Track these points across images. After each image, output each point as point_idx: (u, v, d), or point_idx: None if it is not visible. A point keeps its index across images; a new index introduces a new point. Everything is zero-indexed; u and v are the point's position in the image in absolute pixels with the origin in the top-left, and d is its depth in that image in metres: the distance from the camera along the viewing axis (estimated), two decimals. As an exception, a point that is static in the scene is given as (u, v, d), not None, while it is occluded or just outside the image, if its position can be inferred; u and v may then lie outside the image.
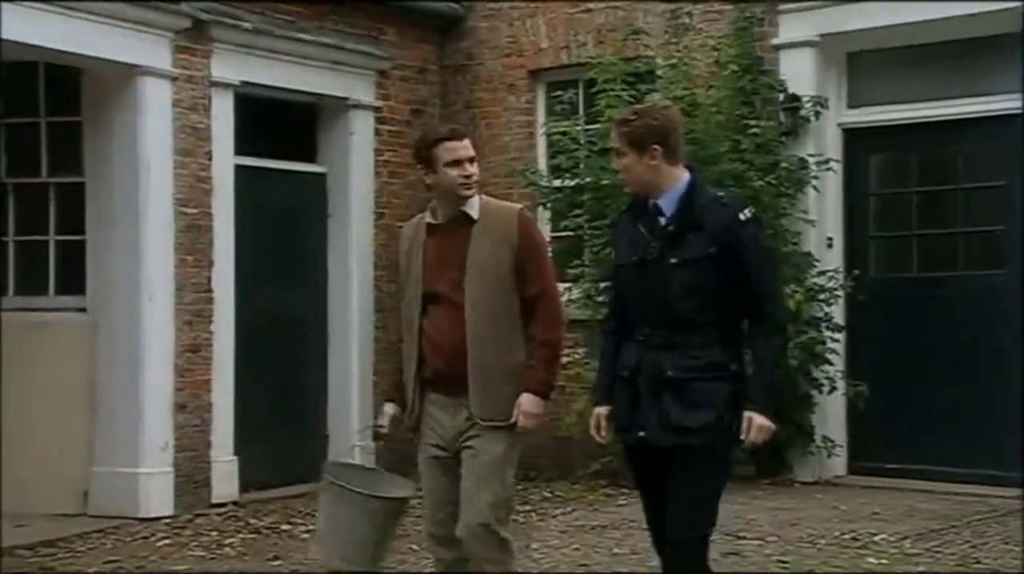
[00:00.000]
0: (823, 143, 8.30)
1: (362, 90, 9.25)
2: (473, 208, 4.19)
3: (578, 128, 8.81)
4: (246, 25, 8.19)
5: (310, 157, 9.31)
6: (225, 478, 8.12)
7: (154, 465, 7.66)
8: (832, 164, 8.21)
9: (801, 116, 8.18)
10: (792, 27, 8.28)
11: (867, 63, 8.41)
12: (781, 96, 8.25)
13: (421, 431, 4.22)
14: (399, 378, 4.32)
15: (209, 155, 8.03)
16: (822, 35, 8.23)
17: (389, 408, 4.35)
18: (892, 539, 6.20)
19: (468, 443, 4.11)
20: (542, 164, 9.46)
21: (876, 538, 6.21)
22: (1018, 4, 7.60)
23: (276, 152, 8.89)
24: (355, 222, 9.20)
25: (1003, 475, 7.53)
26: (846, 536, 6.32)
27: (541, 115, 9.60)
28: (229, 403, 8.18)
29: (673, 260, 3.67)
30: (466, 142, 4.21)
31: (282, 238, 8.90)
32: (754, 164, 7.98)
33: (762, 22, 8.43)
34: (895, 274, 8.47)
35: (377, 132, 9.39)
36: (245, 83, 8.27)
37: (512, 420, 4.10)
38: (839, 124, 8.41)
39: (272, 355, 8.72)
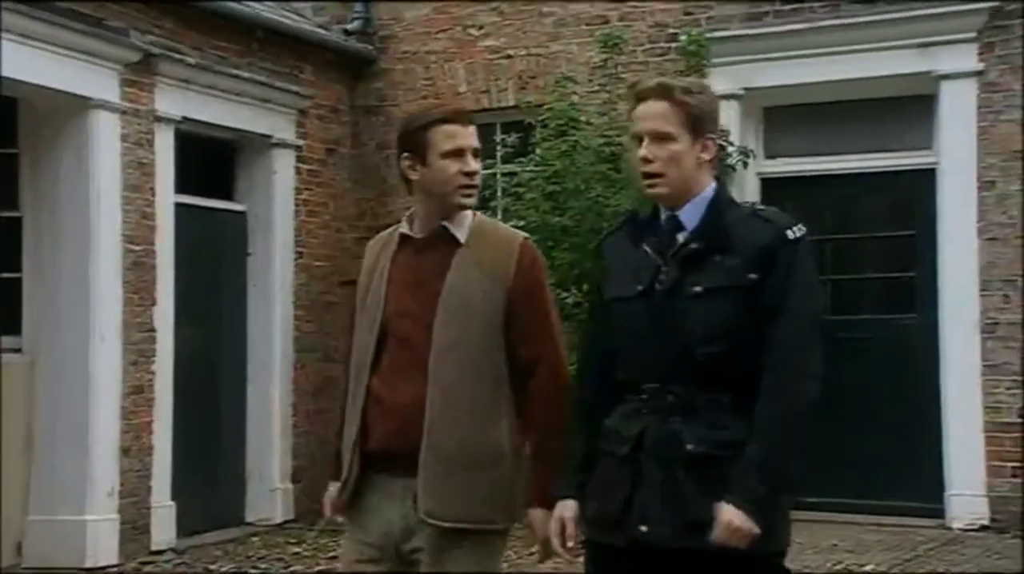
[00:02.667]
0: (743, 192, 8.78)
1: (284, 128, 9.19)
2: (460, 226, 3.18)
3: (529, 170, 8.81)
4: (190, 60, 8.04)
5: (230, 195, 9.17)
6: (164, 524, 7.86)
7: (101, 512, 7.35)
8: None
9: (728, 165, 8.63)
10: (718, 81, 8.73)
11: (784, 117, 8.96)
12: (709, 146, 8.67)
13: (351, 518, 3.19)
14: (340, 445, 3.25)
15: (153, 191, 7.82)
16: (745, 89, 8.73)
17: (334, 490, 3.24)
18: (881, 568, 6.61)
19: (420, 554, 3.05)
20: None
21: (865, 568, 6.61)
22: (926, 70, 8.29)
23: (199, 189, 8.71)
24: (277, 261, 9.10)
25: (924, 507, 8.11)
26: (837, 567, 6.66)
27: (457, 158, 9.73)
28: (167, 446, 7.94)
29: (696, 289, 2.75)
30: (472, 129, 3.18)
31: (206, 277, 8.71)
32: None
33: (685, 75, 8.87)
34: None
35: (297, 171, 9.34)
36: (185, 119, 8.10)
37: (497, 526, 3.10)
38: (758, 174, 8.92)
39: (200, 396, 8.50)
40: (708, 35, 8.63)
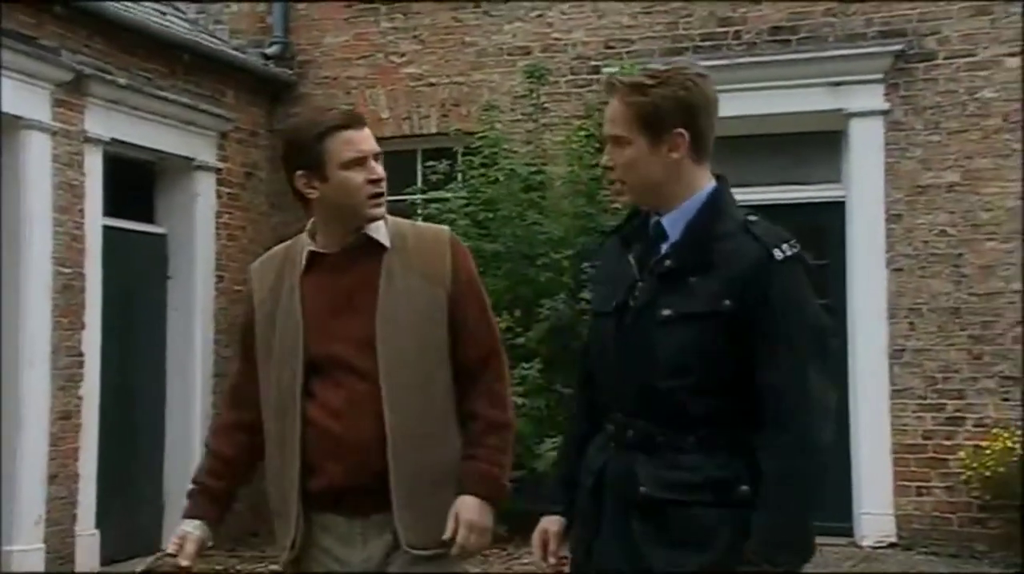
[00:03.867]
0: (663, 220, 9.05)
1: (206, 151, 9.13)
2: (380, 230, 2.89)
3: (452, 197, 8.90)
4: (121, 81, 7.95)
5: (150, 217, 9.06)
6: (88, 552, 7.72)
7: (27, 541, 7.20)
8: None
9: (647, 195, 8.88)
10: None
11: (701, 149, 9.27)
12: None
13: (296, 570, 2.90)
14: (216, 485, 2.98)
15: (83, 213, 7.71)
16: (666, 122, 8.99)
17: (190, 527, 2.93)
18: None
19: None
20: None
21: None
22: (836, 107, 8.69)
23: (119, 211, 8.59)
24: (199, 284, 9.02)
25: (835, 526, 8.37)
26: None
27: (379, 183, 9.79)
28: (93, 472, 7.80)
29: (665, 312, 2.44)
30: (367, 131, 2.87)
31: (127, 300, 8.58)
32: (599, 234, 8.57)
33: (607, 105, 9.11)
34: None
35: (218, 194, 9.29)
36: (114, 140, 8.00)
37: (447, 536, 2.78)
38: (675, 203, 9.20)
39: (121, 422, 8.37)
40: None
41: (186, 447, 8.85)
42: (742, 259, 2.44)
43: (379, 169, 2.85)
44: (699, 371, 2.43)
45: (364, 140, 2.84)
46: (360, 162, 2.81)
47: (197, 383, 8.94)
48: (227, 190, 9.37)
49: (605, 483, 2.54)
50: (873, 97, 8.63)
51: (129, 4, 8.39)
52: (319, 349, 2.85)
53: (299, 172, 2.84)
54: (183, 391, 8.93)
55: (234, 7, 10.11)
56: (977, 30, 8.48)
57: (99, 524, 7.83)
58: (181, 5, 9.78)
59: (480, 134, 8.71)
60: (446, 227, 3.06)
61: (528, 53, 9.33)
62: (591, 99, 9.03)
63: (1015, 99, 8.38)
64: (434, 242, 2.93)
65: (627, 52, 9.09)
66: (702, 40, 8.99)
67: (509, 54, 9.41)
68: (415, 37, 9.64)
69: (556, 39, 9.30)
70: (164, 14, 9.19)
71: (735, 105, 8.85)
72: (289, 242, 3.04)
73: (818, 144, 8.96)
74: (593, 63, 9.18)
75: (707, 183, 2.58)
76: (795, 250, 2.47)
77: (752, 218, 2.52)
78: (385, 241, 2.88)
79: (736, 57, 8.85)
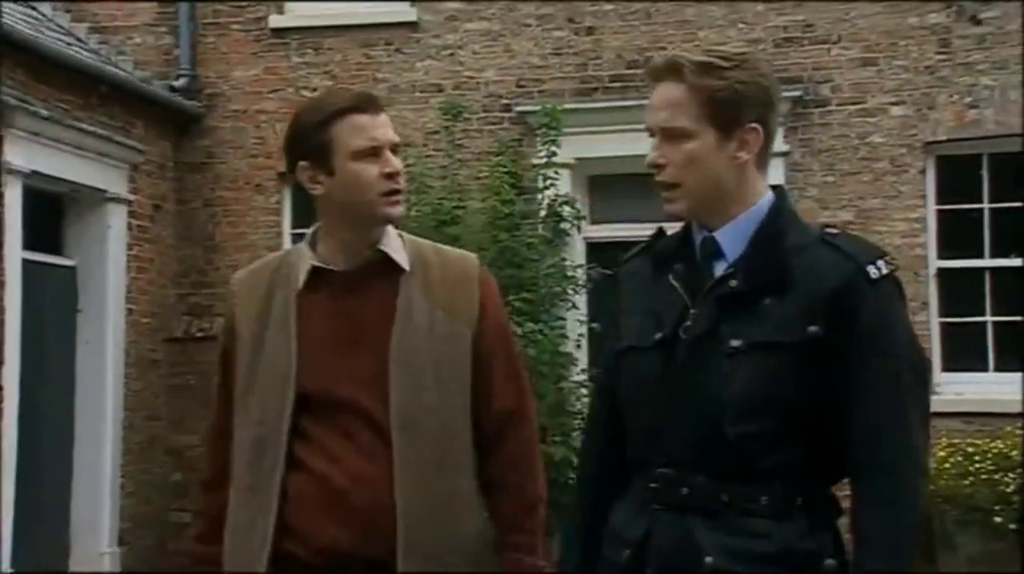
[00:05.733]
0: (573, 254, 9.33)
1: (118, 183, 9.04)
2: (396, 247, 2.47)
3: None
4: (43, 112, 7.84)
5: (58, 249, 8.91)
6: (-1, 590, 7.53)
7: (-53, 579, 7.00)
8: (582, 272, 9.25)
9: (561, 228, 9.16)
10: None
11: (609, 186, 9.61)
12: (544, 211, 9.18)
13: None
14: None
15: (2, 245, 7.57)
16: (577, 159, 9.31)
17: None
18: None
19: None
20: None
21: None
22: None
23: (27, 243, 8.42)
24: (110, 318, 8.90)
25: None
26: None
27: (288, 216, 9.85)
28: (11, 509, 7.63)
29: (735, 343, 2.06)
30: (385, 117, 2.46)
31: (37, 334, 8.41)
32: (522, 267, 8.79)
33: (520, 142, 9.39)
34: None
35: (128, 226, 9.20)
36: (34, 172, 7.88)
37: None
38: (584, 238, 9.51)
39: (30, 457, 8.17)
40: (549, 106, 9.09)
41: (94, 483, 8.72)
42: (828, 277, 2.04)
43: (396, 161, 2.44)
44: (777, 414, 2.02)
45: (379, 127, 2.42)
46: (374, 152, 2.39)
47: (108, 418, 8.81)
48: (137, 222, 9.29)
49: (650, 554, 2.07)
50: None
51: (42, 33, 8.29)
52: (315, 385, 2.36)
53: (302, 163, 2.42)
54: (93, 427, 8.79)
55: (138, 39, 10.05)
56: (865, 79, 9.05)
57: (14, 562, 7.65)
58: (82, 35, 9.67)
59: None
60: (474, 255, 2.60)
61: (440, 90, 9.53)
62: (503, 136, 9.30)
63: (901, 144, 8.98)
64: (461, 271, 2.49)
65: (538, 91, 9.38)
66: (611, 81, 9.34)
67: (421, 91, 9.59)
68: (327, 72, 9.74)
69: (468, 77, 9.52)
70: (69, 44, 9.08)
71: (645, 144, 9.23)
72: (281, 252, 2.64)
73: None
74: (504, 101, 9.44)
75: (766, 192, 2.18)
76: (891, 268, 2.09)
77: (831, 230, 2.15)
78: (403, 262, 2.43)
79: (644, 98, 9.10)
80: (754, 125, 2.12)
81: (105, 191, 8.86)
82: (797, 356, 2.05)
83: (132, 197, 9.20)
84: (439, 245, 2.62)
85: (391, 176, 2.42)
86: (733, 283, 2.11)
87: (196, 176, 9.89)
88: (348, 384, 2.36)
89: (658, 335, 2.15)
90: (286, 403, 2.37)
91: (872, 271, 2.07)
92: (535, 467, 2.51)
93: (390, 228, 2.48)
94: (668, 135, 2.14)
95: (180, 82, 9.82)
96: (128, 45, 10.02)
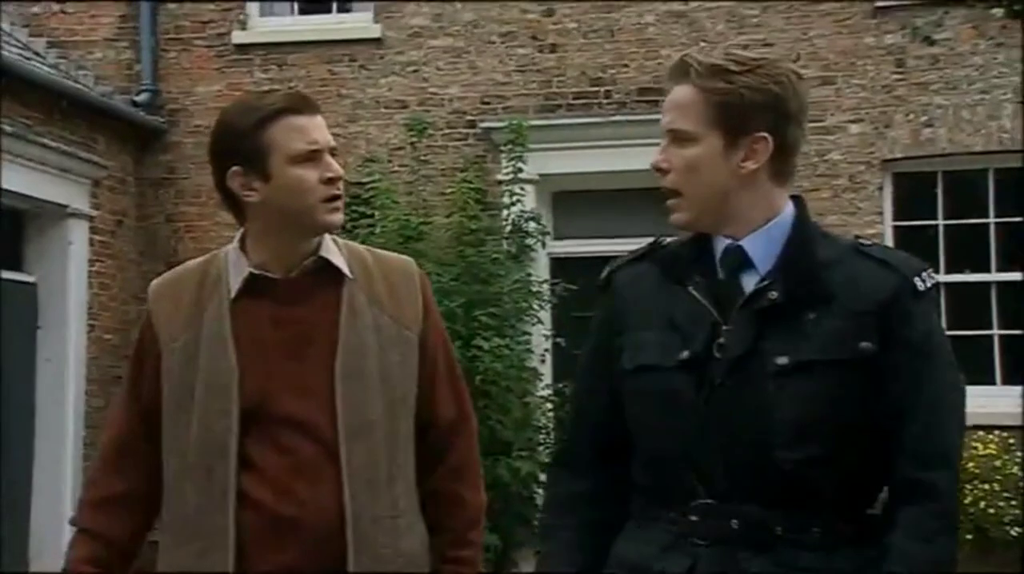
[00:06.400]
0: (538, 269, 9.39)
1: (79, 198, 8.98)
2: (336, 253, 2.36)
3: None
4: (8, 128, 7.78)
5: (17, 265, 8.82)
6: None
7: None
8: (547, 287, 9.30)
9: (526, 244, 9.22)
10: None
11: (573, 202, 9.69)
12: (509, 226, 9.23)
13: None
14: None
15: (-33, 262, 7.50)
16: (540, 175, 9.38)
17: None
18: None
19: None
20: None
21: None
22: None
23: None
24: (72, 334, 8.82)
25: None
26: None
27: (252, 231, 9.80)
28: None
29: (781, 361, 1.93)
30: (321, 119, 2.33)
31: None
32: (488, 282, 8.82)
33: (484, 159, 9.44)
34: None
35: (90, 242, 9.13)
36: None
37: None
38: (548, 253, 9.57)
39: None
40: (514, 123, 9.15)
41: (55, 502, 8.62)
42: (874, 289, 1.95)
43: (336, 166, 2.31)
44: (831, 437, 1.91)
45: (317, 128, 2.30)
46: (313, 156, 2.27)
47: (69, 436, 8.73)
48: (99, 238, 9.23)
49: None
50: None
51: (1, 48, 8.23)
52: (256, 399, 2.23)
53: (234, 169, 2.28)
54: (54, 445, 8.70)
55: (99, 53, 9.99)
56: (824, 98, 9.20)
57: (-23, 583, 7.56)
58: (40, 49, 9.60)
59: (369, 185, 8.87)
60: (410, 258, 2.51)
61: (405, 107, 9.57)
62: (468, 152, 9.36)
63: (860, 161, 9.15)
64: (403, 275, 2.39)
65: (503, 108, 9.44)
66: (574, 99, 9.43)
67: (386, 107, 9.62)
68: (290, 88, 9.70)
69: (433, 93, 9.57)
70: (28, 59, 9.01)
71: (604, 161, 9.40)
72: (200, 259, 2.45)
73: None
74: (469, 118, 9.49)
75: (787, 203, 2.06)
76: (935, 281, 1.99)
77: (865, 242, 2.06)
78: (345, 268, 2.33)
79: (607, 115, 9.33)
80: (763, 134, 1.99)
81: (67, 207, 8.80)
82: (849, 374, 1.93)
83: (94, 213, 9.14)
84: (373, 249, 2.51)
85: (331, 181, 2.29)
86: (773, 295, 1.96)
87: (158, 191, 9.84)
88: (290, 395, 2.25)
89: (685, 354, 1.98)
90: (230, 425, 2.22)
91: (920, 284, 1.97)
92: (479, 477, 2.44)
93: (327, 234, 2.37)
94: (673, 138, 2.04)
95: (142, 97, 9.78)
96: (88, 60, 9.96)
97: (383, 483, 2.25)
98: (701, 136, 2.00)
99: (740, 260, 2.02)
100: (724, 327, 1.97)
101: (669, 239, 2.19)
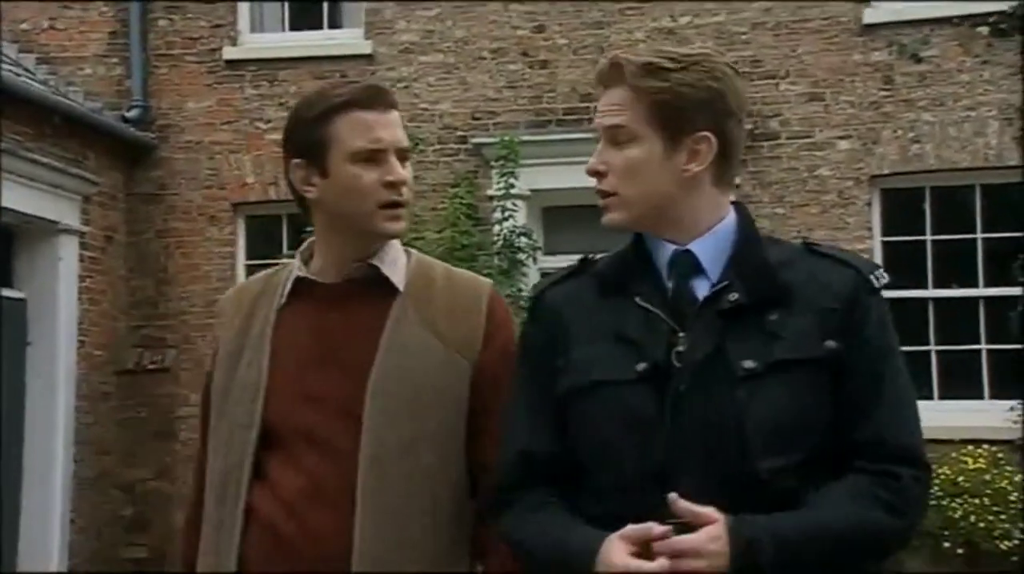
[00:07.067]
0: (529, 285, 9.40)
1: (70, 214, 8.97)
2: (393, 264, 2.18)
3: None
4: (4, 144, 7.77)
5: (7, 282, 8.80)
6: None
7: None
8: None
9: (518, 259, 9.24)
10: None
11: (563, 217, 9.72)
12: (500, 241, 9.25)
13: None
14: None
15: (-42, 277, 7.48)
16: (531, 190, 9.41)
17: None
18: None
19: None
20: (248, 295, 9.68)
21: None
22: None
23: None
24: (62, 350, 8.80)
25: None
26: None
27: (242, 247, 9.83)
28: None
29: (748, 365, 1.83)
30: (395, 116, 2.17)
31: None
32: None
33: (476, 174, 9.47)
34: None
35: (80, 258, 9.12)
36: (-11, 203, 7.81)
37: None
38: (539, 269, 9.59)
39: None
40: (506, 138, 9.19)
41: (44, 519, 8.60)
42: (832, 287, 1.89)
43: (400, 169, 2.12)
44: (807, 440, 1.82)
45: (385, 127, 2.11)
46: (375, 156, 2.10)
47: (58, 453, 8.70)
48: (89, 254, 9.22)
49: None
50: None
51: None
52: (282, 410, 2.09)
53: (295, 161, 2.14)
54: (43, 461, 8.66)
55: (89, 69, 9.99)
56: (813, 114, 9.27)
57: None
58: (30, 66, 9.60)
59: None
60: (488, 280, 2.30)
61: (395, 122, 9.58)
62: (459, 168, 9.39)
63: (848, 177, 9.21)
64: (468, 294, 2.19)
65: (493, 124, 9.48)
66: (565, 114, 9.47)
67: (376, 123, 9.63)
68: (281, 104, 9.74)
69: (424, 109, 9.59)
70: (18, 75, 9.00)
71: (577, 177, 9.38)
72: (273, 269, 2.32)
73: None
74: (460, 133, 9.53)
75: (729, 208, 1.98)
76: (886, 280, 1.95)
77: (812, 240, 2.03)
78: (397, 280, 2.14)
79: (598, 131, 9.33)
80: (705, 133, 1.90)
81: (57, 222, 8.78)
82: (820, 373, 1.85)
83: (84, 228, 9.12)
84: (452, 267, 2.32)
85: (392, 186, 2.11)
86: (734, 296, 1.87)
87: (149, 207, 9.83)
88: (315, 411, 2.08)
89: (643, 365, 1.86)
90: (249, 439, 2.11)
91: (874, 281, 1.93)
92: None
93: (395, 242, 2.19)
94: (610, 138, 1.94)
95: (132, 113, 9.77)
96: (78, 76, 9.96)
97: (406, 510, 2.03)
98: (641, 135, 1.91)
99: (691, 265, 1.93)
100: (681, 334, 1.87)
101: (599, 255, 2.08)
